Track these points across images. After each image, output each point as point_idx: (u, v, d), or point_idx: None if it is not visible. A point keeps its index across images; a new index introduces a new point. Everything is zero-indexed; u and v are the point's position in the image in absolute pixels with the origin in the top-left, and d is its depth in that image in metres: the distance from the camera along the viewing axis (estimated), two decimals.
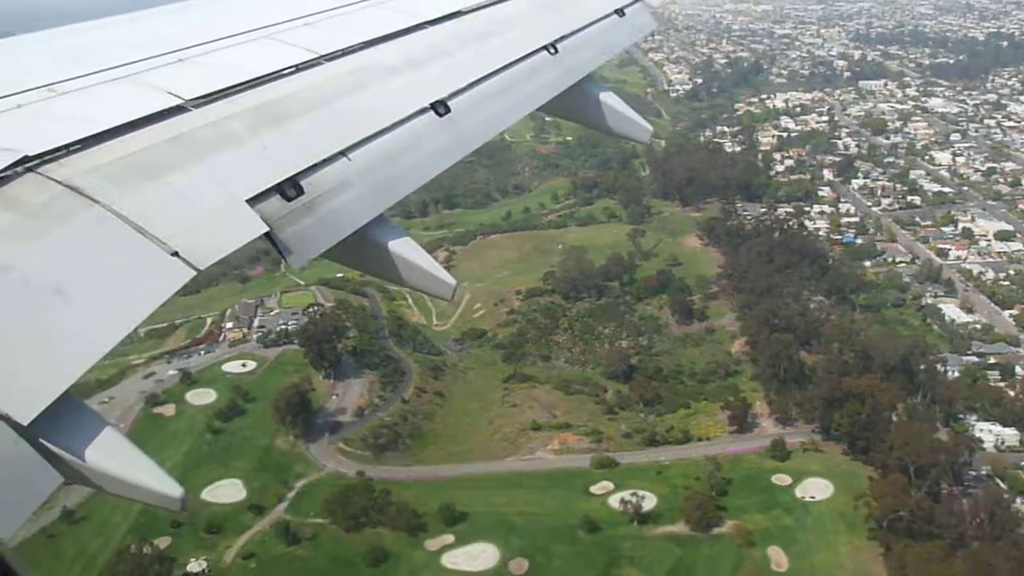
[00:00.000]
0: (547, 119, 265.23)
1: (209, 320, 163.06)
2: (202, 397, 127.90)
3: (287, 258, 4.83)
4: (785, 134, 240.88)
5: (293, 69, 5.99)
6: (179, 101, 5.11)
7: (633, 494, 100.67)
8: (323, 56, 6.29)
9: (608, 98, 8.62)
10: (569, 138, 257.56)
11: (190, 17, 7.25)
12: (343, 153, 5.44)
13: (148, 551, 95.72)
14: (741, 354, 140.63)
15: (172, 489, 3.73)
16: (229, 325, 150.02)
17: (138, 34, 6.36)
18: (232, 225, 4.57)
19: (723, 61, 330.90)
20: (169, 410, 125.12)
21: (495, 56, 7.34)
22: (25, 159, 4.17)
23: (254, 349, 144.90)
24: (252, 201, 4.75)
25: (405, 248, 5.68)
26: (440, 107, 6.33)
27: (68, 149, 4.38)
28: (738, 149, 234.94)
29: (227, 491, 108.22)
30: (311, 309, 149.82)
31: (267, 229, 4.69)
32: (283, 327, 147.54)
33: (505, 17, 8.31)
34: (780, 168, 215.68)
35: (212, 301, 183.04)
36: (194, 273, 4.19)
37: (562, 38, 8.18)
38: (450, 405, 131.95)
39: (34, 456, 3.32)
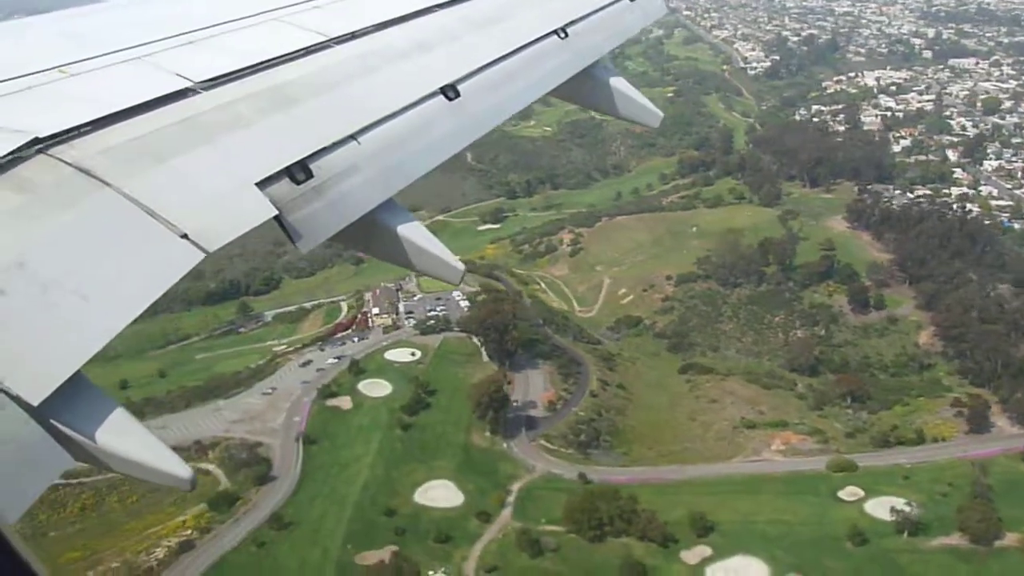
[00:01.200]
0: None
1: (345, 305, 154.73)
2: (376, 388, 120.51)
3: (296, 242, 4.71)
4: (888, 113, 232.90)
5: (302, 52, 5.83)
6: (188, 84, 5.00)
7: (907, 503, 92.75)
8: (332, 39, 6.13)
9: (618, 83, 8.36)
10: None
11: (201, 0, 7.08)
12: (352, 137, 5.31)
13: (387, 562, 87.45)
14: (929, 346, 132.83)
15: (181, 469, 3.65)
16: (375, 310, 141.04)
17: (147, 16, 6.24)
18: (241, 208, 4.46)
19: (795, 39, 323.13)
20: (344, 403, 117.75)
21: (505, 40, 7.18)
22: (36, 140, 4.09)
23: (408, 335, 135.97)
24: (261, 184, 4.63)
25: (414, 232, 5.53)
26: (450, 91, 6.15)
27: (79, 131, 4.29)
28: (841, 128, 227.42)
29: (441, 493, 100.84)
30: (479, 296, 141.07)
31: (276, 212, 4.58)
32: (434, 313, 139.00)
33: (516, 1, 8.10)
34: (896, 149, 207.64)
35: (329, 283, 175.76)
36: (203, 255, 4.08)
37: (572, 22, 7.96)
38: (636, 398, 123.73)
39: (44, 437, 3.27)
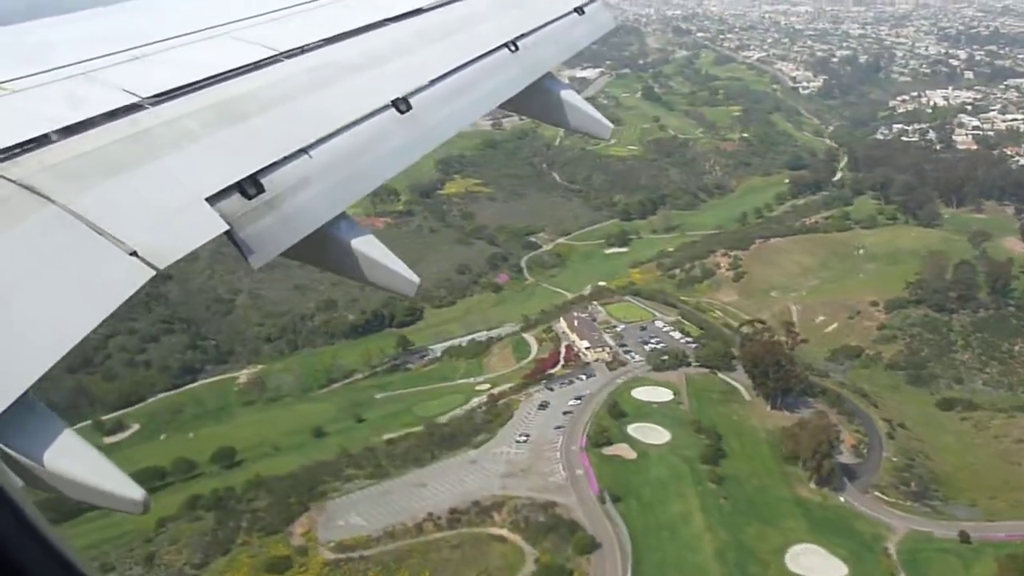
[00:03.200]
0: (708, 117, 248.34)
1: (530, 338, 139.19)
2: (650, 434, 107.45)
3: (248, 257, 4.68)
4: (978, 132, 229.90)
5: (252, 66, 5.79)
6: (136, 99, 4.95)
7: None
8: (283, 53, 6.11)
9: (569, 96, 8.44)
10: (745, 135, 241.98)
11: (147, 15, 6.98)
12: (304, 150, 5.28)
13: None
14: None
15: (133, 492, 3.58)
16: (583, 344, 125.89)
17: (93, 32, 6.13)
18: (192, 224, 4.43)
19: (834, 60, 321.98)
20: (624, 451, 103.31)
21: (456, 53, 7.21)
22: None
23: (638, 371, 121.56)
24: (212, 199, 4.58)
25: (368, 246, 5.49)
26: (401, 104, 6.17)
27: (22, 148, 4.22)
28: (938, 147, 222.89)
29: (816, 561, 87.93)
30: (743, 327, 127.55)
31: (227, 228, 4.53)
32: (652, 346, 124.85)
33: (466, 14, 8.14)
34: (1013, 167, 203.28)
35: (472, 313, 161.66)
36: (153, 273, 4.03)
37: (522, 36, 8.00)
38: (927, 439, 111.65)
39: None
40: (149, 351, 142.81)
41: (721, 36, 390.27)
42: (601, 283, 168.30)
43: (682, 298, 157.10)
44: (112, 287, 3.87)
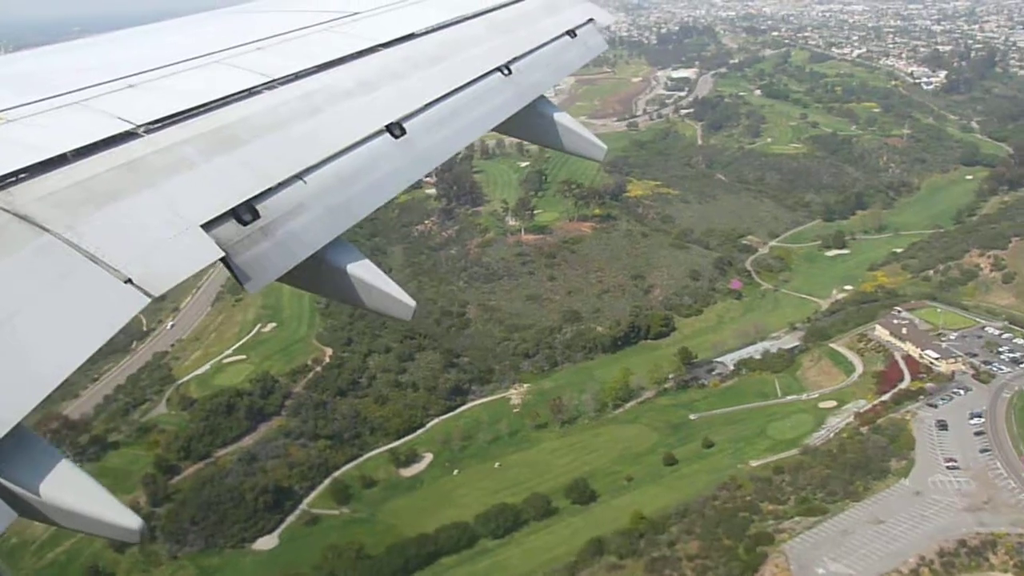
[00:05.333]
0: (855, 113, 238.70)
1: (847, 351, 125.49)
2: None
3: (243, 284, 4.66)
4: None
5: (246, 93, 5.79)
6: (131, 127, 4.95)
7: None
8: (276, 80, 6.11)
9: (562, 118, 8.37)
10: (907, 131, 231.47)
11: (141, 43, 7.07)
12: (298, 176, 5.27)
13: None
14: None
15: (130, 520, 3.56)
16: (930, 354, 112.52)
17: (88, 60, 6.19)
18: (187, 251, 4.40)
19: (945, 49, 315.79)
20: None
21: (449, 78, 7.19)
22: None
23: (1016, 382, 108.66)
24: (207, 226, 4.56)
25: (364, 271, 5.45)
26: (395, 129, 6.17)
27: (17, 177, 4.23)
28: None
29: None
30: None
31: (223, 254, 4.51)
32: (1011, 354, 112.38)
33: (458, 39, 8.10)
34: None
35: (724, 322, 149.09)
36: (148, 300, 4.02)
37: (515, 59, 8.00)
38: None
39: None
40: (409, 371, 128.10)
41: (801, 35, 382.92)
42: (847, 287, 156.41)
43: (963, 303, 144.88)
44: (107, 315, 3.82)
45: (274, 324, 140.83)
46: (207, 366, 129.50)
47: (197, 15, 8.29)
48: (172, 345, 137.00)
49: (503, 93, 7.50)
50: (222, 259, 4.50)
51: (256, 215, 4.78)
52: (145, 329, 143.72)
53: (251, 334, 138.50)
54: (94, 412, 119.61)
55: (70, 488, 3.46)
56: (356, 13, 8.04)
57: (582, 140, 8.41)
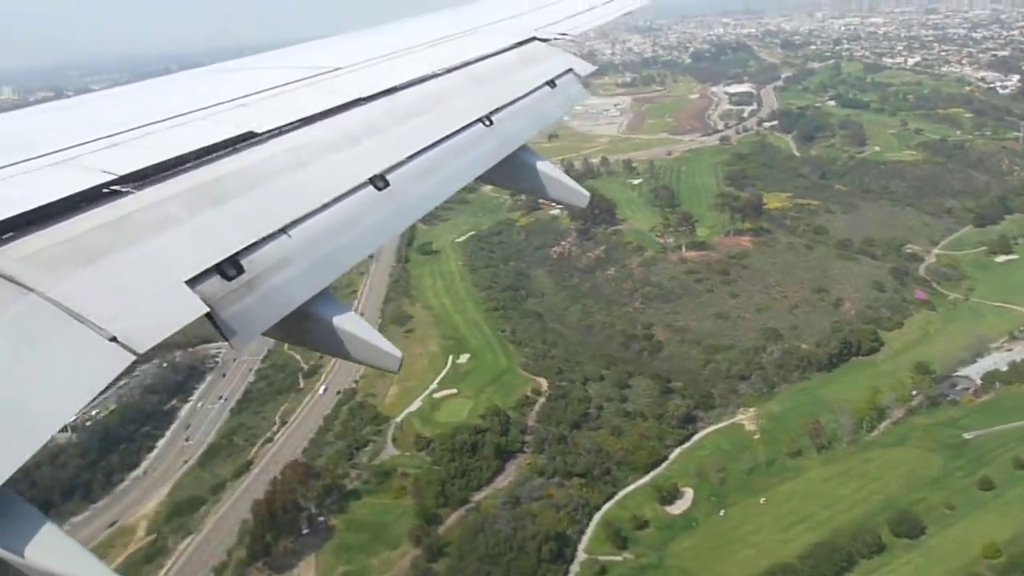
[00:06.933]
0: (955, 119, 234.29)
1: None
2: None
3: (229, 339, 4.58)
4: None
5: (231, 149, 5.73)
6: (116, 184, 4.92)
7: None
8: (261, 134, 6.04)
9: (544, 167, 8.30)
10: (1021, 134, 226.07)
11: (125, 101, 7.08)
12: (283, 230, 5.20)
13: None
14: None
15: None
16: None
17: (72, 119, 6.27)
18: (171, 307, 4.36)
19: (1003, 55, 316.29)
20: None
21: (431, 130, 7.12)
22: None
23: None
24: (192, 282, 4.53)
25: (349, 323, 5.36)
26: (379, 181, 6.10)
27: (2, 237, 4.21)
28: None
29: None
30: None
31: (207, 310, 4.46)
32: None
33: (439, 91, 8.03)
34: None
35: (931, 335, 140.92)
36: (133, 358, 3.99)
37: (496, 110, 7.94)
38: None
39: None
40: (630, 399, 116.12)
41: (840, 48, 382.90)
42: None
43: None
44: (91, 373, 3.80)
45: (467, 355, 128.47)
46: (418, 402, 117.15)
47: (183, 73, 8.47)
48: (356, 381, 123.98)
49: (485, 143, 7.45)
50: (207, 314, 4.40)
51: (241, 270, 4.72)
52: (304, 366, 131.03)
53: (448, 367, 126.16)
54: (308, 458, 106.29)
55: (58, 554, 3.39)
56: (338, 68, 7.97)
57: (564, 188, 8.37)
